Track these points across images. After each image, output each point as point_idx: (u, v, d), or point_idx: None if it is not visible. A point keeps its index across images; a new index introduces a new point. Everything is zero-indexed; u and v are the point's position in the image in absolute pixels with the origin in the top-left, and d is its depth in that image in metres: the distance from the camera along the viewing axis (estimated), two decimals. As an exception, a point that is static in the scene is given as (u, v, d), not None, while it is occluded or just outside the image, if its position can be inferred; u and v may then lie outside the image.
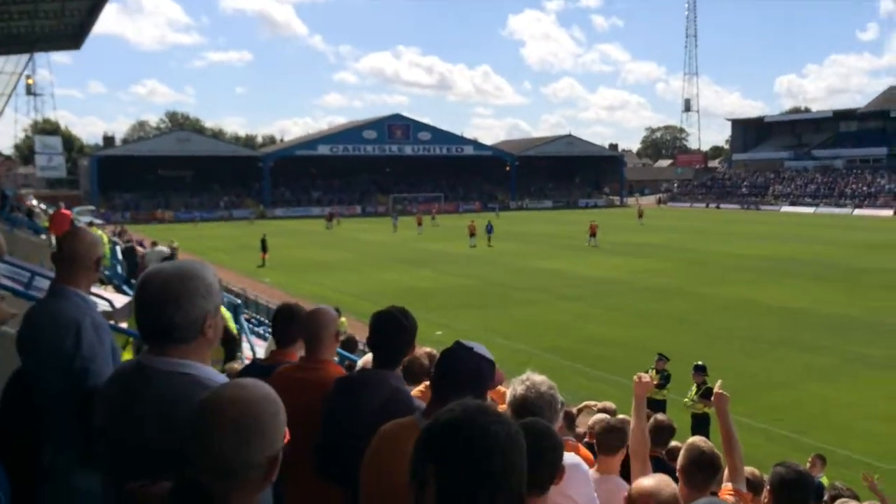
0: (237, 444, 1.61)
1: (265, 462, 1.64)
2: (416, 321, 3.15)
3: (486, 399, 2.61)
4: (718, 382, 4.17)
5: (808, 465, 9.10)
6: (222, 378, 2.18)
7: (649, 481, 2.95)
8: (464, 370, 2.49)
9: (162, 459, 1.91)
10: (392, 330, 3.08)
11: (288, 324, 3.89)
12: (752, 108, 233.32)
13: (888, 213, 67.44)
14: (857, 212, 70.56)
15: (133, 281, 15.43)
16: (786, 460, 3.78)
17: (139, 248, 25.08)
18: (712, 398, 4.19)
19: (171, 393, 2.06)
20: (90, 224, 28.72)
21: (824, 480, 8.67)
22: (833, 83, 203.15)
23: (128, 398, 2.14)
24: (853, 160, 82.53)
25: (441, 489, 1.45)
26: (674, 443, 7.26)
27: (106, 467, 2.26)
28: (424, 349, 5.60)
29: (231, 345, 7.85)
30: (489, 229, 44.68)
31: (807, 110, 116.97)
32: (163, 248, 19.71)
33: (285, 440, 1.71)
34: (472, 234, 43.85)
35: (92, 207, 63.45)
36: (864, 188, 75.68)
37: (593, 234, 42.42)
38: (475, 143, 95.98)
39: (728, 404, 4.01)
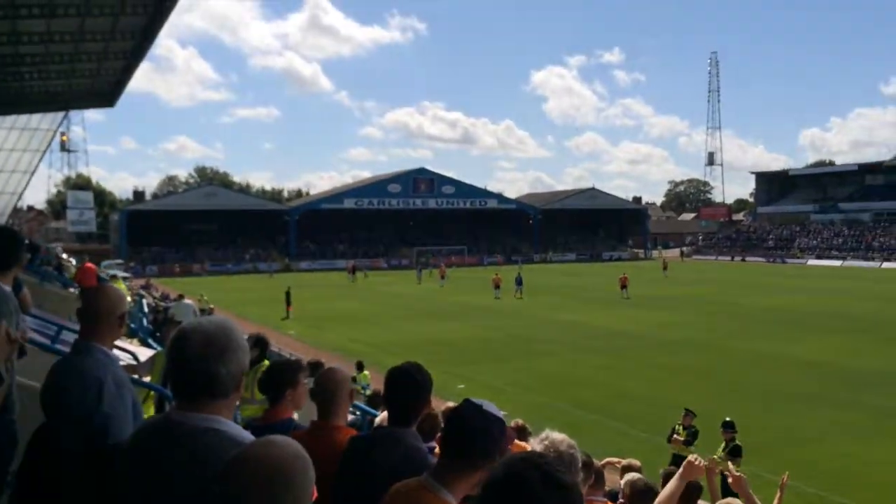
0: (267, 501, 1.61)
1: None
2: (431, 376, 3.13)
3: (496, 459, 2.57)
4: (731, 468, 4.15)
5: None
6: (250, 435, 2.19)
7: None
8: (472, 429, 2.45)
9: None
10: (406, 386, 3.06)
11: (278, 382, 3.84)
12: (776, 162, 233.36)
13: (918, 266, 66.42)
14: (886, 265, 69.55)
15: (157, 335, 15.60)
16: None
17: (160, 303, 25.42)
18: (730, 482, 4.17)
19: (202, 450, 2.05)
20: (113, 277, 29.13)
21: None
22: (857, 136, 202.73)
23: (156, 454, 2.13)
24: (881, 213, 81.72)
25: None
26: (702, 502, 7.14)
27: None
28: (448, 404, 5.60)
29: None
30: (519, 281, 44.69)
31: (831, 163, 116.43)
32: (189, 302, 19.91)
33: (313, 497, 1.73)
34: (497, 287, 44.02)
35: (120, 261, 64.41)
36: (893, 241, 74.72)
37: (624, 287, 42.46)
38: (499, 197, 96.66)
39: (747, 483, 3.98)
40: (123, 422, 2.92)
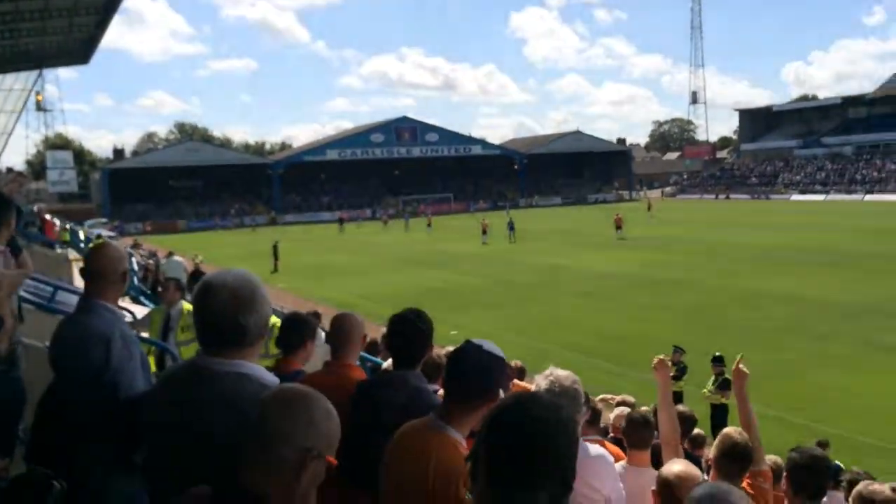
0: (303, 431, 1.74)
1: (312, 457, 1.75)
2: (432, 322, 3.22)
3: (498, 395, 2.65)
4: (739, 356, 4.20)
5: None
6: (275, 378, 2.31)
7: (681, 465, 3.00)
8: (474, 368, 2.52)
9: (221, 458, 1.94)
10: (409, 332, 3.15)
11: (301, 332, 3.97)
12: (760, 97, 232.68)
13: (900, 197, 67.08)
14: (868, 197, 70.22)
15: (148, 293, 15.59)
16: (800, 445, 3.83)
17: (148, 261, 25.33)
18: (732, 371, 4.25)
19: (233, 392, 2.14)
20: (98, 237, 29.02)
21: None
22: (840, 69, 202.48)
23: (186, 397, 2.20)
24: (863, 146, 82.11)
25: (490, 466, 1.59)
26: (696, 430, 7.34)
27: (155, 470, 2.33)
28: (446, 349, 5.72)
29: None
30: (511, 226, 45.30)
31: (815, 98, 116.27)
32: (179, 259, 19.86)
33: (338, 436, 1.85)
34: (485, 232, 44.58)
35: (104, 220, 63.97)
36: (875, 174, 75.30)
37: (619, 227, 42.86)
38: (483, 143, 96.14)
39: (747, 381, 4.06)
40: (133, 377, 2.98)
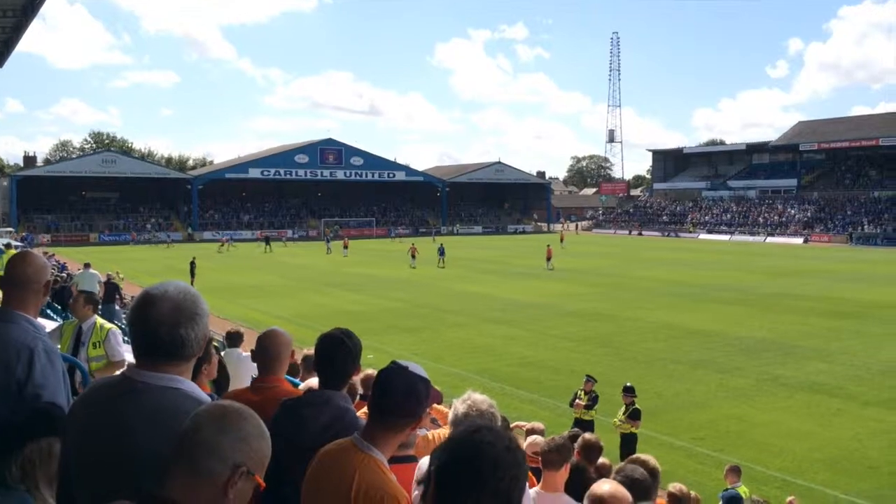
0: (234, 446, 1.74)
1: (241, 473, 1.74)
2: (361, 342, 3.23)
3: (423, 417, 2.69)
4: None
5: (724, 474, 9.85)
6: (206, 395, 2.27)
7: (611, 484, 3.02)
8: (399, 389, 2.52)
9: (146, 472, 1.92)
10: (337, 352, 3.11)
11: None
12: (672, 140, 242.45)
13: (798, 241, 71.12)
14: (770, 240, 74.14)
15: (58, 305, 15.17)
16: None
17: (58, 274, 24.60)
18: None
19: (168, 407, 2.07)
20: (7, 247, 27.94)
21: (743, 491, 9.34)
22: (746, 117, 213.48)
23: (118, 410, 2.11)
24: (766, 190, 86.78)
25: (438, 491, 1.67)
26: (602, 459, 7.82)
27: (74, 483, 2.20)
28: (366, 371, 5.98)
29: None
30: (441, 251, 46.73)
31: (722, 142, 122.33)
32: (94, 272, 19.43)
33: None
34: (413, 256, 45.92)
35: (10, 229, 61.19)
36: (776, 217, 79.63)
37: (549, 258, 44.09)
38: (407, 169, 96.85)
39: None
40: (56, 391, 2.88)
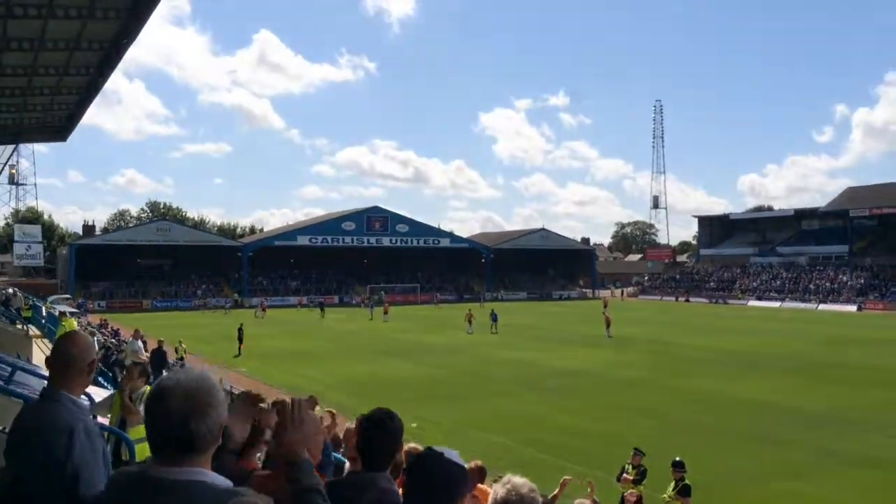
0: None
1: None
2: (403, 423, 3.21)
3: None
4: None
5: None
6: (230, 484, 2.20)
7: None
8: (434, 477, 2.51)
9: None
10: (379, 433, 3.10)
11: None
12: (717, 206, 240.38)
13: (852, 308, 69.34)
14: (822, 307, 72.41)
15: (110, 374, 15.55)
16: None
17: (111, 340, 25.24)
18: None
19: (185, 500, 2.03)
20: (62, 315, 28.89)
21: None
22: (792, 182, 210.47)
23: None
24: (816, 257, 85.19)
25: None
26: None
27: None
28: (408, 445, 5.96)
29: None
30: (494, 317, 47.41)
31: (769, 208, 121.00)
32: (137, 342, 19.62)
33: None
34: (470, 322, 46.58)
35: (67, 296, 63.18)
36: (828, 284, 77.90)
37: (608, 325, 43.92)
38: (451, 236, 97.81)
39: None
40: (96, 472, 2.89)
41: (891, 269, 75.26)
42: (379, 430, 3.08)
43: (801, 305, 74.00)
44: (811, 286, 78.97)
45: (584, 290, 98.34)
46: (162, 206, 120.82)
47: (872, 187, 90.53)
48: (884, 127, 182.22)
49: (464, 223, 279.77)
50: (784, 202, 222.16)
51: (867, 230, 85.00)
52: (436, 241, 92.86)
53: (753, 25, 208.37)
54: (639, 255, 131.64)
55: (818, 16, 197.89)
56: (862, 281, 75.48)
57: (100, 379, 14.24)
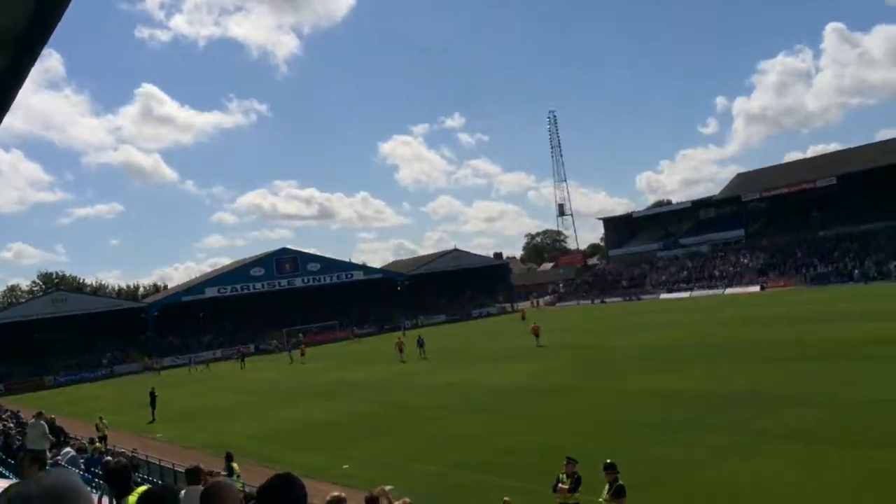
0: None
1: None
2: (304, 486, 2.88)
3: None
4: None
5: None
6: None
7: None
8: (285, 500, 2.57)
9: None
10: (276, 501, 2.91)
11: None
12: (619, 206, 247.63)
13: (755, 288, 72.15)
14: (728, 290, 75.11)
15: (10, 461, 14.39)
16: None
17: (8, 424, 23.38)
18: None
19: None
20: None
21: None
22: (687, 175, 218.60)
23: None
24: (717, 244, 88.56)
25: None
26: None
27: None
28: (333, 493, 5.56)
29: None
30: (420, 343, 46.82)
31: (668, 202, 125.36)
32: (43, 422, 18.28)
33: None
34: (402, 351, 46.39)
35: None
36: (731, 268, 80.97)
37: (537, 335, 44.08)
38: (364, 268, 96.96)
39: None
40: None
41: (786, 246, 78.89)
42: (275, 497, 2.74)
43: (710, 292, 76.52)
44: (716, 272, 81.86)
45: (502, 304, 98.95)
46: (55, 275, 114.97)
47: (760, 171, 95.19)
48: (762, 113, 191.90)
49: (376, 253, 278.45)
50: (681, 195, 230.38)
51: (760, 212, 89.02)
52: (349, 276, 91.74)
53: (631, 27, 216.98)
54: (551, 264, 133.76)
55: (693, 16, 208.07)
56: (762, 261, 78.77)
57: (1, 469, 13.06)
